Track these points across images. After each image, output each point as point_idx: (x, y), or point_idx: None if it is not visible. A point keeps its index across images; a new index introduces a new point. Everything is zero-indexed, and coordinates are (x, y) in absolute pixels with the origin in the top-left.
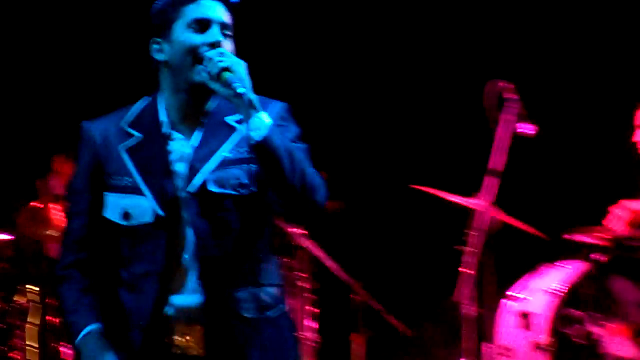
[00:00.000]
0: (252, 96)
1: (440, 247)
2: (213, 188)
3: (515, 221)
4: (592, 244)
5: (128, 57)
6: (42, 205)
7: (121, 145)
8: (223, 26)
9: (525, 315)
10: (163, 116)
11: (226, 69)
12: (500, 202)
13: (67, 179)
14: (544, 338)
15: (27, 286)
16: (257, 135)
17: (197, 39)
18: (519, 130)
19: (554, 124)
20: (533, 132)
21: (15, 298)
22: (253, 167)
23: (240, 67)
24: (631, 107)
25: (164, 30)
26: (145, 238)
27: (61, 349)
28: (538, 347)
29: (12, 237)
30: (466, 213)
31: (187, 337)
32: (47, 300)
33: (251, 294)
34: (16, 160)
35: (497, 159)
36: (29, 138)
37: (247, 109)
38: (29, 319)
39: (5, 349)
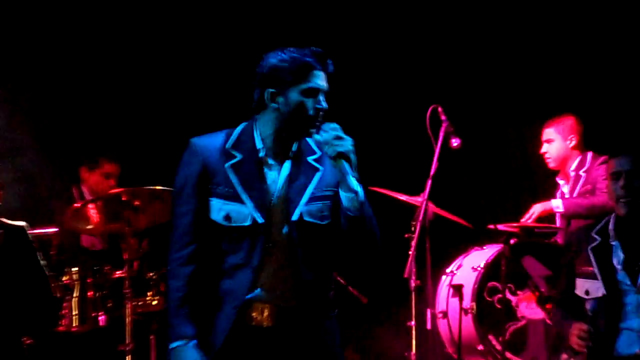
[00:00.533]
0: (356, 178)
1: (393, 236)
2: (307, 218)
3: (449, 214)
4: (509, 232)
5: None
6: (79, 206)
7: (227, 163)
8: (326, 93)
9: (456, 287)
10: (259, 143)
11: (342, 155)
12: (438, 199)
13: (91, 186)
14: (470, 304)
15: (72, 269)
16: (353, 209)
17: (309, 103)
18: (452, 144)
19: (479, 139)
20: (459, 144)
21: (63, 278)
22: (329, 202)
23: (353, 154)
24: (540, 124)
25: (280, 86)
26: (242, 237)
27: (99, 318)
28: (465, 311)
29: (57, 230)
30: (413, 209)
31: (265, 313)
32: (87, 280)
33: (317, 287)
34: (54, 168)
35: (436, 166)
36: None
37: (347, 185)
38: (74, 294)
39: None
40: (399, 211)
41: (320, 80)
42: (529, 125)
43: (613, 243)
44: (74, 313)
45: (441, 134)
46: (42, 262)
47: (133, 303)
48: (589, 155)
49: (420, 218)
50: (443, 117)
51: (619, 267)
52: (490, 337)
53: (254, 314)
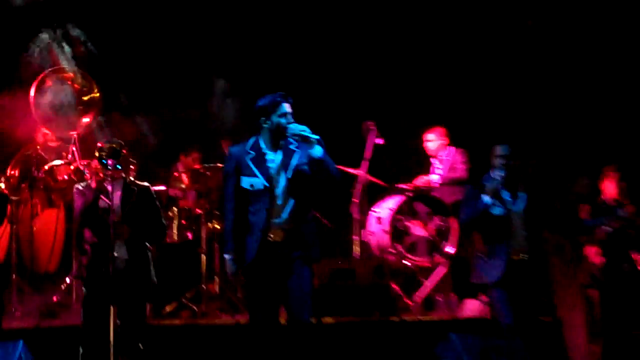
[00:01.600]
0: (317, 140)
1: (346, 190)
2: (296, 172)
3: (375, 179)
4: (408, 189)
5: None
6: (177, 174)
7: (247, 157)
8: (291, 113)
9: (379, 218)
10: (263, 146)
11: (303, 132)
12: (371, 171)
13: (185, 164)
14: (387, 228)
15: (173, 208)
16: (318, 154)
17: (283, 120)
18: (376, 141)
19: (394, 138)
20: (382, 142)
21: (169, 213)
22: (306, 166)
23: (308, 132)
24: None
25: (267, 114)
26: (259, 194)
27: (188, 234)
28: (385, 231)
29: (165, 188)
30: (353, 178)
31: (278, 235)
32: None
33: (304, 216)
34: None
35: (368, 154)
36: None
37: (312, 145)
38: (174, 222)
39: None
40: (348, 178)
41: (286, 108)
42: (420, 128)
43: (501, 188)
44: (174, 232)
45: (371, 135)
46: (157, 205)
47: (206, 226)
48: (452, 149)
49: (360, 180)
50: (372, 128)
51: (508, 198)
52: (397, 245)
53: (271, 235)
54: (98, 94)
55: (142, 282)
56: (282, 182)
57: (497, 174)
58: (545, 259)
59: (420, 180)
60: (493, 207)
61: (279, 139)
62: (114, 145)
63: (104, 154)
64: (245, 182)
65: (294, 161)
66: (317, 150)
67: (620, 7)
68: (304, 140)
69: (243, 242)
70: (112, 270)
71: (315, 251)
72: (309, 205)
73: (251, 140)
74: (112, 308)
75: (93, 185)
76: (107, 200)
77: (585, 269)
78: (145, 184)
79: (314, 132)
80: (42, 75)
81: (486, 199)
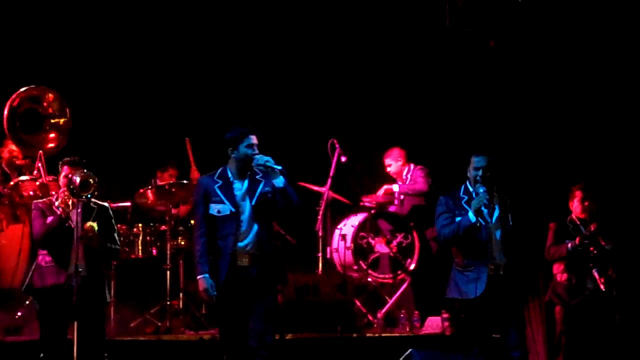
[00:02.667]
0: (280, 170)
1: (310, 208)
2: (260, 200)
3: (339, 197)
4: (370, 206)
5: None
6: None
7: (215, 185)
8: (257, 144)
9: (343, 236)
10: (230, 175)
11: (267, 163)
12: (334, 188)
13: (165, 179)
14: (350, 244)
15: (139, 224)
16: (280, 184)
17: (249, 151)
18: (341, 159)
19: (355, 157)
20: (345, 160)
21: (134, 229)
22: (270, 194)
23: (272, 163)
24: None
25: (235, 145)
26: (226, 220)
27: (152, 250)
28: (348, 248)
29: (130, 204)
30: (320, 194)
31: (245, 259)
32: (147, 230)
33: (268, 241)
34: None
35: (332, 172)
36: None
37: (276, 175)
38: (140, 238)
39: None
40: (314, 195)
41: (253, 140)
42: (383, 146)
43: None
44: (139, 247)
45: (336, 154)
46: (113, 224)
47: (171, 242)
48: (412, 165)
49: (325, 198)
50: (337, 145)
51: (485, 210)
52: (360, 262)
53: (238, 259)
54: (68, 118)
55: (98, 298)
56: (247, 208)
57: (481, 190)
58: (521, 273)
59: (383, 189)
60: (476, 223)
61: (245, 168)
62: (86, 178)
63: (74, 188)
64: (213, 208)
65: (259, 189)
66: (280, 180)
67: (578, 25)
68: (267, 170)
69: (215, 265)
70: (75, 286)
71: (280, 275)
72: (271, 230)
73: (219, 170)
74: (74, 323)
75: (57, 209)
76: (71, 223)
77: (550, 286)
78: (105, 204)
79: (277, 163)
80: (15, 95)
81: (471, 216)
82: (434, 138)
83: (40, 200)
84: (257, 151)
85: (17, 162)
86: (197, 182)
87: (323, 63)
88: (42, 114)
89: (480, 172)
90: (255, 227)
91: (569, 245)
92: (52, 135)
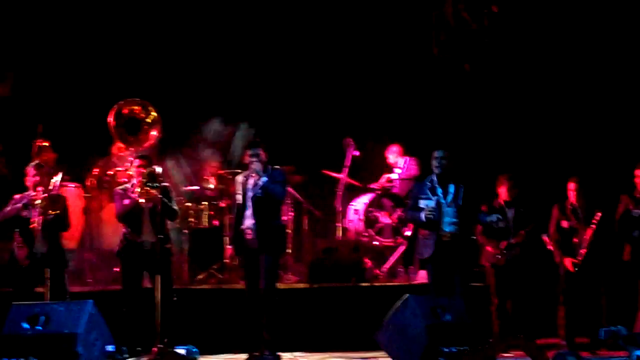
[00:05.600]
0: (263, 175)
1: (331, 188)
2: (263, 193)
3: (353, 181)
4: (377, 189)
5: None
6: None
7: (242, 179)
8: (255, 155)
9: (356, 210)
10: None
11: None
12: (350, 175)
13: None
14: (362, 216)
15: None
16: (263, 184)
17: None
18: (354, 153)
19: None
20: (358, 154)
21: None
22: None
23: (260, 171)
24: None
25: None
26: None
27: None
28: (359, 220)
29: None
30: (336, 180)
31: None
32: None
33: (272, 219)
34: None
35: (348, 162)
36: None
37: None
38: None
39: None
40: (334, 180)
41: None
42: (386, 142)
43: (436, 185)
44: (205, 220)
45: (350, 149)
46: (172, 197)
47: (228, 216)
48: (407, 158)
49: (342, 182)
50: (351, 143)
51: (440, 194)
52: (369, 230)
53: (247, 234)
54: (156, 114)
55: (164, 256)
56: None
57: (428, 206)
58: (473, 239)
59: (385, 177)
60: (428, 217)
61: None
62: (152, 171)
63: (145, 179)
64: (239, 197)
65: (260, 185)
66: (262, 180)
67: (546, 39)
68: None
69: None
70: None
71: (279, 247)
72: (274, 211)
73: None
74: (157, 277)
75: (131, 194)
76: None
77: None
78: (166, 183)
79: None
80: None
81: (423, 217)
82: (425, 135)
83: (120, 187)
84: (255, 159)
85: (121, 154)
86: (234, 179)
87: (341, 78)
88: (137, 119)
89: (436, 162)
90: (260, 207)
91: (494, 224)
92: (153, 132)
